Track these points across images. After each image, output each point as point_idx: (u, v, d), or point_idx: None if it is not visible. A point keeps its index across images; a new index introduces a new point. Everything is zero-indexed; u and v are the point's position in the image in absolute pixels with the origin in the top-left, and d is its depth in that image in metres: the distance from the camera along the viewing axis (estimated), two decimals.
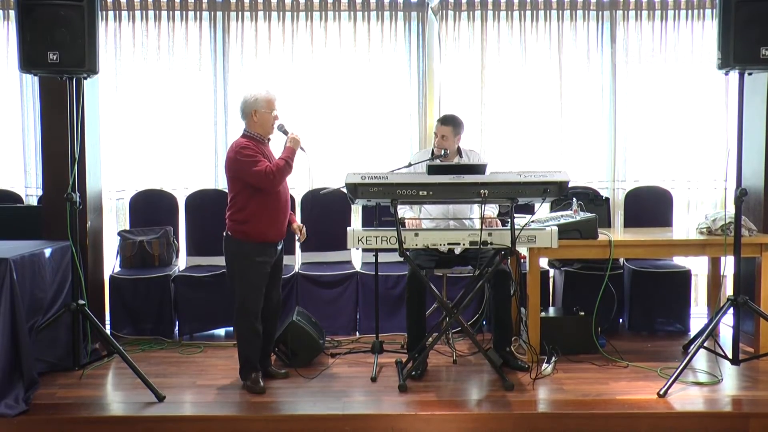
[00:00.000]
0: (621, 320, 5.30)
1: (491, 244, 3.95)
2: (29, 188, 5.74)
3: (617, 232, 5.00)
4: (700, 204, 5.84)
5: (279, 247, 4.07)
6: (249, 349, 4.00)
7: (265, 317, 4.06)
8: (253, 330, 3.98)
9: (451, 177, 3.82)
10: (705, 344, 4.05)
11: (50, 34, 3.75)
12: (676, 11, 5.74)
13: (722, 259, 4.50)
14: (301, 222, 5.41)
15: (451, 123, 4.52)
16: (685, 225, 5.57)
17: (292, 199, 5.17)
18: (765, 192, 4.82)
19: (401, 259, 4.15)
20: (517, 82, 5.76)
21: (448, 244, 4.05)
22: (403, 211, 4.57)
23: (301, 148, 4.00)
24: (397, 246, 3.90)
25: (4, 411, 3.50)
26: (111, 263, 5.25)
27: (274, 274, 4.07)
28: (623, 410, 3.63)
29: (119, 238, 5.32)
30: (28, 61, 3.78)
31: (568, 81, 5.77)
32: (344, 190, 3.88)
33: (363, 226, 5.40)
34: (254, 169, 3.83)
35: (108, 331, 4.68)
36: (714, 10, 5.54)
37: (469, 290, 4.21)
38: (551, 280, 5.41)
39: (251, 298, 3.95)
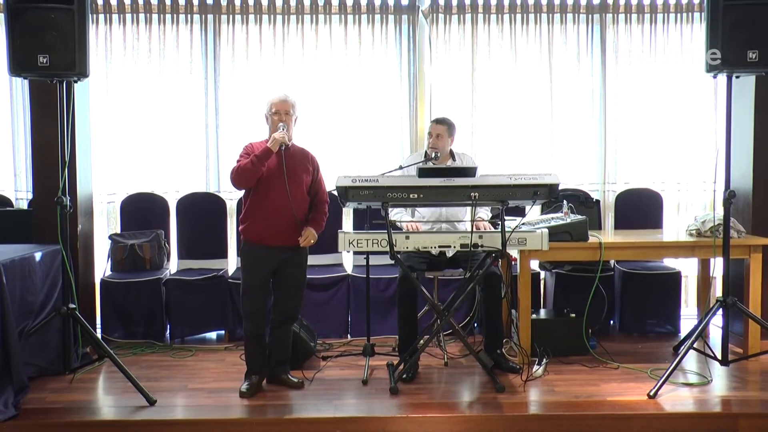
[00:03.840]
0: (612, 322, 5.32)
1: (482, 246, 3.96)
2: (19, 192, 5.72)
3: (608, 234, 5.03)
4: (690, 206, 5.87)
5: (285, 254, 3.96)
6: (247, 352, 4.03)
7: (277, 325, 4.07)
8: (249, 332, 3.99)
9: (442, 180, 3.83)
10: (695, 345, 4.07)
11: (40, 38, 3.73)
12: (665, 14, 5.78)
13: (711, 260, 4.53)
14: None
15: (445, 123, 4.55)
16: (674, 227, 5.60)
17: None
18: (753, 194, 4.87)
19: (392, 262, 4.16)
20: (507, 85, 5.78)
21: (439, 246, 4.05)
22: (401, 215, 4.58)
23: (281, 148, 3.87)
24: (388, 249, 3.90)
25: None
26: (102, 267, 5.23)
27: (283, 282, 4.02)
28: (614, 411, 3.65)
29: (110, 241, 5.30)
30: (18, 65, 3.77)
31: (559, 84, 5.80)
32: (335, 192, 3.89)
33: (354, 228, 5.41)
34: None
35: (99, 335, 4.66)
36: (702, 14, 5.58)
37: (460, 292, 4.22)
38: (542, 282, 5.43)
39: (246, 300, 3.97)
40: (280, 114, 3.96)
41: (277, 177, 3.88)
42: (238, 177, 3.89)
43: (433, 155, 4.48)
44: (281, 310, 4.07)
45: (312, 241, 4.01)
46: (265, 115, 4.04)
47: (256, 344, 4.01)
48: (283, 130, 3.90)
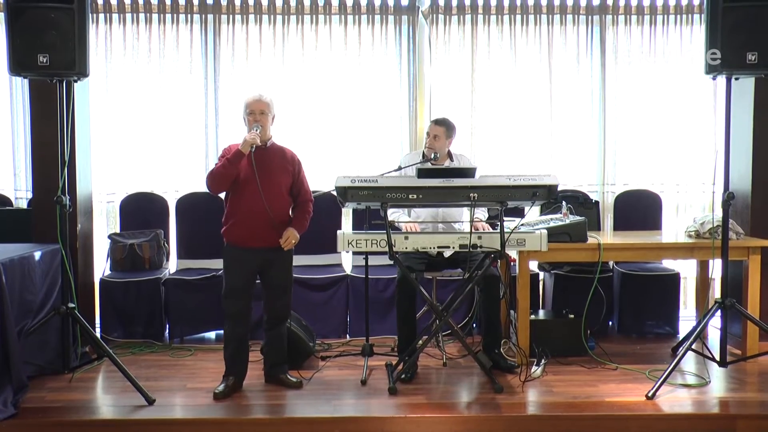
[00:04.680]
0: (610, 323, 5.32)
1: (481, 247, 3.96)
2: (19, 191, 5.73)
3: (607, 235, 5.03)
4: (689, 207, 5.88)
5: (267, 255, 3.94)
6: (225, 351, 4.04)
7: (269, 326, 4.07)
8: (229, 333, 4.01)
9: (441, 180, 3.83)
10: (693, 346, 4.08)
11: (40, 37, 3.73)
12: (665, 16, 5.79)
13: (710, 262, 4.53)
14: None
15: (444, 124, 4.55)
16: (673, 228, 5.60)
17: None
18: (752, 196, 4.88)
19: (391, 262, 4.16)
20: (507, 86, 5.79)
21: (438, 247, 4.06)
22: (398, 215, 4.58)
23: (252, 149, 3.81)
24: (387, 249, 3.90)
25: None
26: (101, 266, 5.23)
27: (269, 282, 4.03)
28: (612, 412, 3.65)
29: (109, 241, 5.31)
30: (18, 64, 3.77)
31: (558, 85, 5.80)
32: (334, 193, 3.89)
33: (353, 229, 5.40)
34: None
35: (98, 335, 4.66)
36: (702, 15, 5.59)
37: (459, 293, 4.22)
38: (541, 283, 5.43)
39: (227, 301, 3.96)
40: (255, 114, 3.91)
41: (251, 179, 3.84)
42: (212, 181, 3.89)
43: (432, 155, 4.48)
44: (270, 311, 4.06)
45: (294, 242, 3.97)
46: (242, 116, 4.00)
47: (236, 346, 4.00)
48: (256, 131, 3.85)
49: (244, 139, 3.83)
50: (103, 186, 5.62)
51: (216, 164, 3.94)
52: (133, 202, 5.53)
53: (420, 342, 4.19)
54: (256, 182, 3.83)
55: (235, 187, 3.91)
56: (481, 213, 4.58)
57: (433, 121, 4.61)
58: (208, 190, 3.98)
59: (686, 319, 5.29)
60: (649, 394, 3.80)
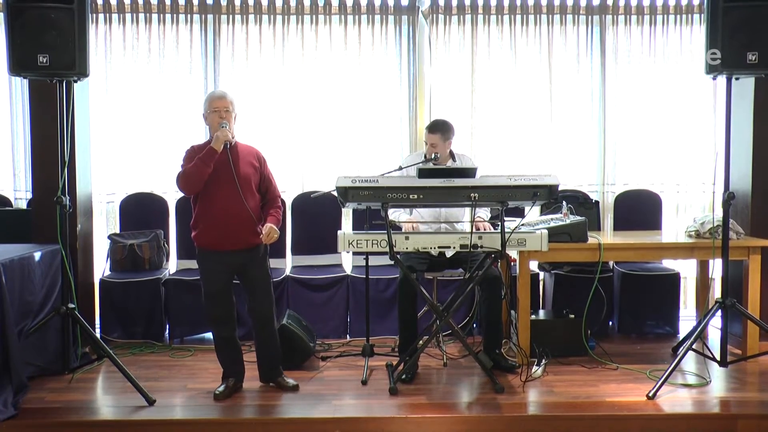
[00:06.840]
0: (611, 323, 5.32)
1: (481, 247, 3.96)
2: (18, 191, 5.72)
3: (607, 235, 5.03)
4: (689, 207, 5.89)
5: (242, 257, 3.86)
6: (218, 355, 4.02)
7: (257, 329, 4.03)
8: (216, 336, 3.99)
9: (442, 180, 3.83)
10: (693, 346, 4.08)
11: (40, 37, 3.73)
12: (665, 16, 5.79)
13: (710, 262, 4.54)
14: (292, 226, 5.43)
15: (439, 130, 4.51)
16: (674, 228, 5.61)
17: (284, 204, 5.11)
18: (752, 195, 4.88)
19: (392, 263, 4.16)
20: (507, 86, 5.79)
21: (439, 247, 4.06)
22: (398, 215, 4.57)
23: (226, 147, 3.76)
24: (387, 249, 3.90)
25: None
26: (101, 267, 5.23)
27: (249, 285, 3.96)
28: (613, 412, 3.65)
29: (109, 241, 5.30)
30: (18, 64, 3.77)
31: (558, 85, 5.80)
32: (335, 193, 3.89)
33: (354, 229, 5.40)
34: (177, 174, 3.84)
35: (98, 335, 4.65)
36: (702, 15, 5.59)
37: (460, 293, 4.22)
38: (541, 283, 5.43)
39: (207, 306, 3.93)
40: (220, 111, 3.81)
41: (226, 178, 3.75)
42: (185, 182, 3.76)
43: (433, 156, 4.47)
44: (255, 314, 4.00)
45: (275, 236, 3.86)
46: (203, 115, 3.92)
47: (226, 348, 3.98)
48: (225, 127, 3.77)
49: (217, 137, 3.74)
50: (103, 186, 5.62)
51: (183, 166, 3.83)
52: (133, 203, 5.52)
53: (420, 342, 4.18)
54: (231, 180, 3.74)
55: (206, 187, 3.79)
56: (484, 212, 4.58)
57: (427, 129, 4.54)
58: (181, 192, 3.89)
59: (686, 319, 5.29)
60: (650, 394, 3.80)
